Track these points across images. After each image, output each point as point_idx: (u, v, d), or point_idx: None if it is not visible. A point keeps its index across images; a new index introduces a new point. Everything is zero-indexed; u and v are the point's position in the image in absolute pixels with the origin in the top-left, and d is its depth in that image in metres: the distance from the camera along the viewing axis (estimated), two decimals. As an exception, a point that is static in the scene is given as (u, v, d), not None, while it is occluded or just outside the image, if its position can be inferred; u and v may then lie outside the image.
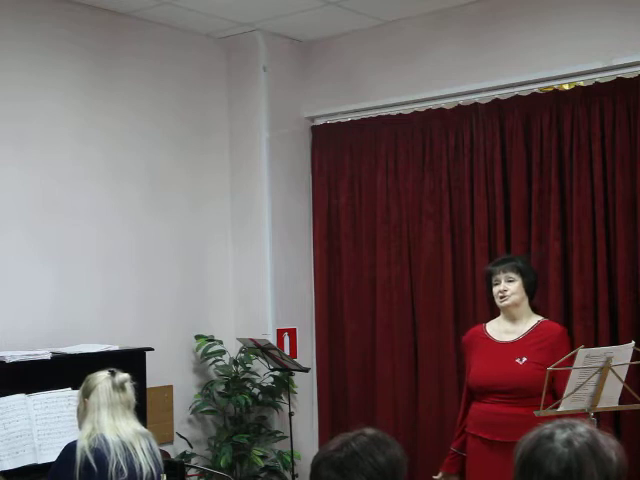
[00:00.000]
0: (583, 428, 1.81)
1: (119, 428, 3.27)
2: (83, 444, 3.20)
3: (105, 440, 3.21)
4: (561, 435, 1.80)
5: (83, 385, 3.39)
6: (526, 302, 4.06)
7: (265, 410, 5.54)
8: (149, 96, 5.33)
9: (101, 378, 3.34)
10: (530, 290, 4.07)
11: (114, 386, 3.32)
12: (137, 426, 3.35)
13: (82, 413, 3.33)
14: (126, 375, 3.39)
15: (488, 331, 4.10)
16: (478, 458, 3.97)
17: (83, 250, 4.95)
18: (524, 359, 3.91)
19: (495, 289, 4.05)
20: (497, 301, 4.05)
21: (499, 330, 4.07)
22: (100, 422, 3.25)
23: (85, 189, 4.99)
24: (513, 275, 4.02)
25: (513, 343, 3.99)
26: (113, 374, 3.36)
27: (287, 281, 5.68)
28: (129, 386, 3.38)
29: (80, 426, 3.34)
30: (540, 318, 4.08)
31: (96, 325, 4.94)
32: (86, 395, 3.32)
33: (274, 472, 5.42)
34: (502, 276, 4.02)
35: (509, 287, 4.01)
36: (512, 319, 4.05)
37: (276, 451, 5.43)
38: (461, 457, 4.11)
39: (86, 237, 4.97)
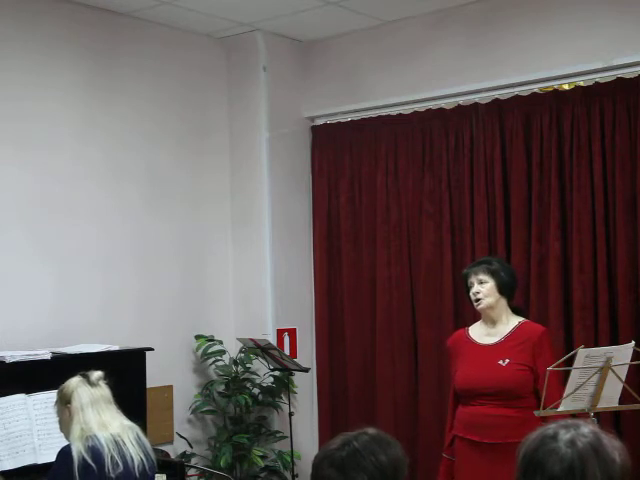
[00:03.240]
0: (587, 429, 1.80)
1: (106, 423, 3.29)
2: (78, 446, 3.20)
3: (97, 437, 3.23)
4: (564, 435, 1.79)
5: (58, 395, 3.39)
6: (503, 303, 4.03)
7: (265, 410, 5.54)
8: (149, 96, 5.33)
9: (76, 382, 3.36)
10: (505, 291, 4.03)
11: (91, 384, 3.35)
12: (123, 419, 3.37)
13: (67, 420, 3.33)
14: (100, 372, 3.41)
15: (471, 334, 4.10)
16: (466, 460, 3.96)
17: (83, 250, 4.95)
18: (507, 360, 3.90)
19: (470, 292, 4.05)
20: (474, 304, 4.06)
21: (481, 333, 4.07)
22: (87, 422, 3.26)
23: (85, 189, 4.99)
24: (484, 277, 4.00)
25: (495, 345, 3.98)
26: (85, 375, 3.39)
27: (287, 281, 5.68)
28: (104, 382, 3.40)
29: (68, 433, 3.33)
30: (521, 319, 4.06)
31: (96, 325, 4.94)
32: (67, 402, 3.33)
33: (274, 472, 5.42)
34: (474, 279, 4.02)
35: (481, 289, 3.99)
36: (491, 321, 4.04)
37: (276, 451, 5.43)
38: (454, 462, 4.09)
39: (86, 237, 4.97)
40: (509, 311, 4.06)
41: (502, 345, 3.96)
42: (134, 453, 3.28)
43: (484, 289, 4.00)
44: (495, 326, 4.03)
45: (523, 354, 3.90)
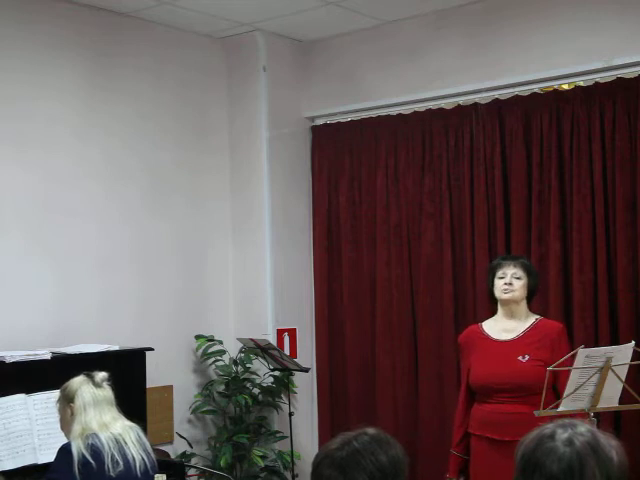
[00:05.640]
0: (584, 428, 1.81)
1: (107, 424, 3.32)
2: (78, 443, 3.24)
3: (97, 436, 3.26)
4: (562, 435, 1.79)
5: (62, 394, 3.42)
6: (525, 302, 4.07)
7: (265, 410, 5.54)
8: (149, 96, 5.33)
9: (80, 381, 3.39)
10: (531, 292, 4.08)
11: (95, 384, 3.38)
12: (124, 421, 3.40)
13: (69, 418, 3.35)
14: (104, 373, 3.44)
15: (486, 330, 4.09)
16: (485, 459, 3.95)
17: (83, 250, 4.95)
18: (526, 357, 3.91)
19: (500, 282, 4.03)
20: (498, 293, 4.04)
21: (497, 329, 4.06)
22: (89, 421, 3.30)
23: (85, 189, 4.99)
24: (521, 273, 4.03)
25: (513, 341, 3.98)
26: (89, 375, 3.41)
27: (287, 281, 5.68)
28: (108, 384, 3.43)
29: (68, 432, 3.36)
30: (538, 316, 4.10)
31: (96, 325, 4.94)
32: (70, 400, 3.36)
33: (274, 472, 5.42)
34: (510, 271, 4.02)
35: (515, 283, 4.01)
36: (510, 316, 4.04)
37: (276, 451, 5.43)
38: (464, 460, 4.09)
39: (86, 237, 4.97)
40: (528, 311, 4.09)
41: (520, 341, 3.97)
42: (135, 452, 3.31)
43: (517, 284, 4.01)
44: (513, 322, 4.04)
45: (541, 350, 3.92)
